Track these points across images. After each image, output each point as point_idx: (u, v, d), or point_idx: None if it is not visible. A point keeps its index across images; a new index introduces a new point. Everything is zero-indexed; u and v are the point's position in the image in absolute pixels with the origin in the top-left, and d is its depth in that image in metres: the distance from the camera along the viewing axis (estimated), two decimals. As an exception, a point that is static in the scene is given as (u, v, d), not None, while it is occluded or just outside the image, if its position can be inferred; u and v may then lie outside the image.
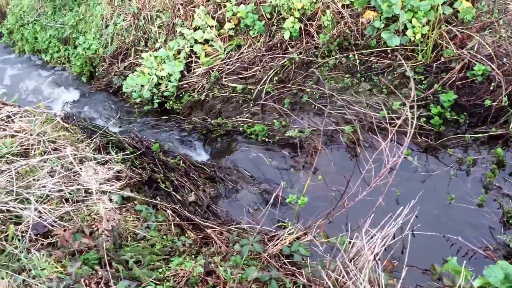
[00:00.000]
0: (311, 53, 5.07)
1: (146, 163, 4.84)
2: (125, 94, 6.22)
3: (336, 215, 3.47)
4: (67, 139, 4.75)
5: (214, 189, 4.67)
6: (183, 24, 5.71)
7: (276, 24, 5.28)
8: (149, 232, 3.68)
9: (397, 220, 2.97)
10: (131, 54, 6.27)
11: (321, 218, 3.48)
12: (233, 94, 5.33)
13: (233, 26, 5.44)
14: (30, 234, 3.19)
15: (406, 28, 4.53)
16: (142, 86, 5.74)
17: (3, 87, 7.22)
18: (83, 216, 3.58)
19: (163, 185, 4.66)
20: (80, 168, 3.58)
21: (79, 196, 3.81)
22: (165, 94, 5.70)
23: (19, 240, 3.19)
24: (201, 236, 3.97)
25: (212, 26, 5.50)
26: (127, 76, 6.19)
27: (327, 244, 3.47)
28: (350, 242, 3.32)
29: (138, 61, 6.12)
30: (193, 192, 4.59)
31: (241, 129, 5.12)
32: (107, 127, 5.79)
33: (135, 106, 6.05)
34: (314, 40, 5.05)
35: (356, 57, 4.89)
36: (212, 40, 5.46)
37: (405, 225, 3.15)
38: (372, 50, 4.83)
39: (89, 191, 3.92)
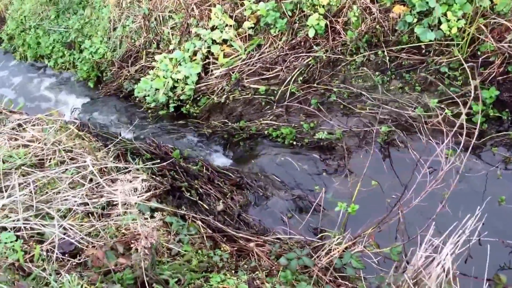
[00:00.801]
0: (338, 50, 4.82)
1: (167, 171, 4.58)
2: (137, 99, 5.93)
3: (387, 222, 3.21)
4: (84, 147, 4.47)
5: (243, 197, 4.40)
6: (198, 24, 5.44)
7: (298, 22, 5.02)
8: (183, 246, 3.40)
9: (463, 228, 2.71)
10: (142, 57, 5.98)
11: (371, 226, 3.23)
12: (255, 96, 5.06)
13: (252, 25, 5.18)
14: (56, 253, 2.89)
15: (440, 22, 4.29)
16: (157, 89, 5.45)
17: (6, 94, 6.90)
18: (112, 231, 3.30)
19: (188, 193, 4.39)
20: (113, 181, 3.29)
21: (105, 209, 3.54)
22: (181, 97, 5.42)
23: (43, 260, 2.90)
24: (235, 248, 3.69)
25: (230, 26, 5.23)
26: (139, 80, 5.90)
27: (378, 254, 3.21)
28: (405, 253, 3.08)
29: (150, 64, 5.83)
30: (221, 201, 4.31)
31: (266, 132, 4.85)
32: (120, 133, 5.52)
33: (149, 111, 5.75)
34: (341, 37, 4.80)
35: (386, 53, 4.65)
36: (231, 40, 5.19)
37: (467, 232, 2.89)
38: (403, 46, 4.59)
39: (115, 203, 3.65)
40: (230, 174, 4.68)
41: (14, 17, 7.46)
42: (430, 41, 4.39)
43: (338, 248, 3.23)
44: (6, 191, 3.63)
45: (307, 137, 4.62)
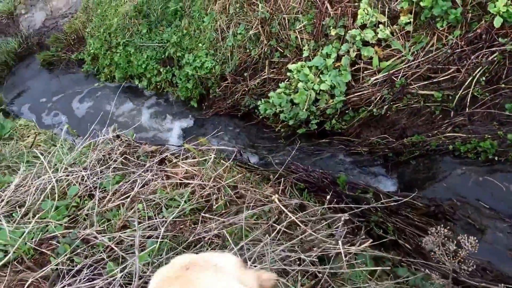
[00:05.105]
0: (534, 42, 3.93)
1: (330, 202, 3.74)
2: (261, 116, 5.11)
3: None
4: (246, 181, 3.69)
5: (450, 231, 3.53)
6: (337, 24, 4.62)
7: (471, 11, 4.15)
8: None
9: None
10: (264, 68, 5.19)
11: None
12: (425, 104, 4.20)
13: (410, 20, 4.33)
14: None
15: None
16: (294, 105, 4.64)
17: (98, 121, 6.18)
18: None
19: (380, 231, 3.55)
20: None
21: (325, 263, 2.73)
22: (327, 112, 4.59)
23: None
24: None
25: (383, 23, 4.40)
26: (262, 95, 5.12)
27: None
28: None
29: (276, 76, 5.04)
30: (426, 238, 3.46)
31: (450, 147, 3.98)
32: (249, 159, 4.73)
33: (282, 130, 4.93)
34: (537, 24, 3.91)
35: None
36: (387, 40, 4.35)
37: None
38: None
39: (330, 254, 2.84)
40: (415, 202, 3.82)
41: (97, 35, 6.78)
42: None
43: None
44: (193, 246, 2.86)
45: (513, 151, 3.73)
